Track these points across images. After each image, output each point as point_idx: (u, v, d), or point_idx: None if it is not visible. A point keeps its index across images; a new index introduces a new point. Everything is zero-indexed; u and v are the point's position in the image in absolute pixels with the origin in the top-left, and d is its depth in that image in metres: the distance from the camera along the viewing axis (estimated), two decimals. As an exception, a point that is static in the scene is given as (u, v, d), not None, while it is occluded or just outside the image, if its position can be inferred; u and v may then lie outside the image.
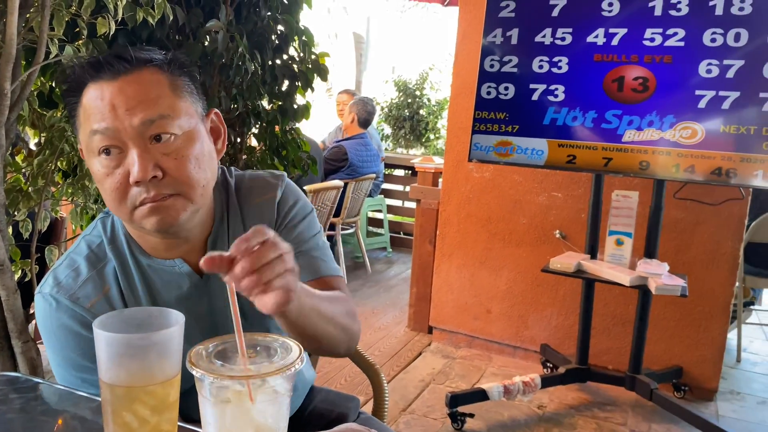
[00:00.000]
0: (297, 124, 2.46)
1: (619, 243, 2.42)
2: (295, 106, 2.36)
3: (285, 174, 1.15)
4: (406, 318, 3.69)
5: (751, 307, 3.86)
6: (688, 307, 2.77)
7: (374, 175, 4.79)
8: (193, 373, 0.63)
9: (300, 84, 2.33)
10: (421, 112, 7.29)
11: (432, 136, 7.58)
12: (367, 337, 3.46)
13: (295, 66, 2.30)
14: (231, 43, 2.01)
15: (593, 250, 2.55)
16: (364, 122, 4.83)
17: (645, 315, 2.51)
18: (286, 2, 2.23)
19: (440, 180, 3.43)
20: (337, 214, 4.44)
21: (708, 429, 2.31)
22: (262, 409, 0.63)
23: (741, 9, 2.24)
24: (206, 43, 2.02)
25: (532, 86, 2.49)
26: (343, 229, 4.70)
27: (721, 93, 2.26)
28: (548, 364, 2.99)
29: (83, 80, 0.91)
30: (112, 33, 1.63)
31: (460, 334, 3.34)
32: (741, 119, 2.23)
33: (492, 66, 2.57)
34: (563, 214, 2.98)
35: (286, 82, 2.33)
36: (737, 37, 2.24)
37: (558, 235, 2.99)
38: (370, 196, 4.96)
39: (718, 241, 2.72)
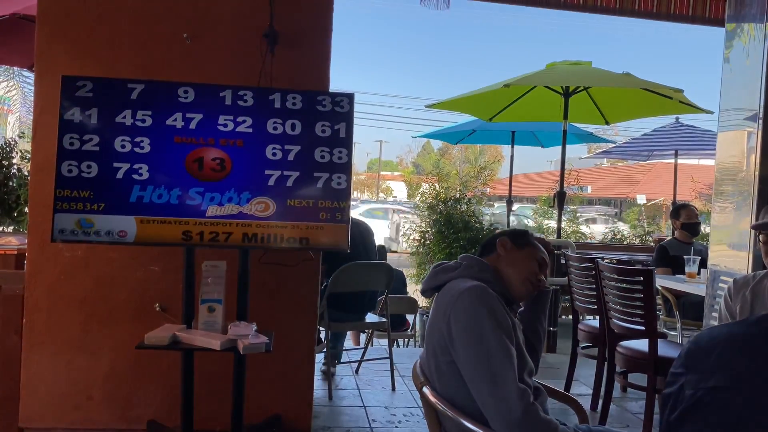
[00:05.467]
0: None
1: (211, 310, 2.59)
2: None
3: None
4: (-11, 425, 3.18)
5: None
6: (281, 358, 3.09)
7: (-58, 261, 4.05)
8: None
9: None
10: (11, 183, 6.47)
11: (27, 210, 6.79)
12: (-67, 459, 2.87)
13: None
14: None
15: (189, 319, 2.66)
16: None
17: (241, 373, 2.71)
18: None
19: (25, 262, 3.12)
20: None
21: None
22: None
23: (294, 104, 2.70)
24: None
25: (116, 165, 2.53)
26: None
27: (285, 173, 2.66)
28: (156, 441, 2.96)
29: None
30: None
31: (58, 429, 3.03)
32: (302, 194, 2.67)
33: (72, 144, 2.51)
34: (162, 286, 3.03)
35: None
36: (293, 127, 2.69)
37: (158, 309, 3.02)
38: (-62, 285, 4.15)
39: (300, 297, 3.14)
